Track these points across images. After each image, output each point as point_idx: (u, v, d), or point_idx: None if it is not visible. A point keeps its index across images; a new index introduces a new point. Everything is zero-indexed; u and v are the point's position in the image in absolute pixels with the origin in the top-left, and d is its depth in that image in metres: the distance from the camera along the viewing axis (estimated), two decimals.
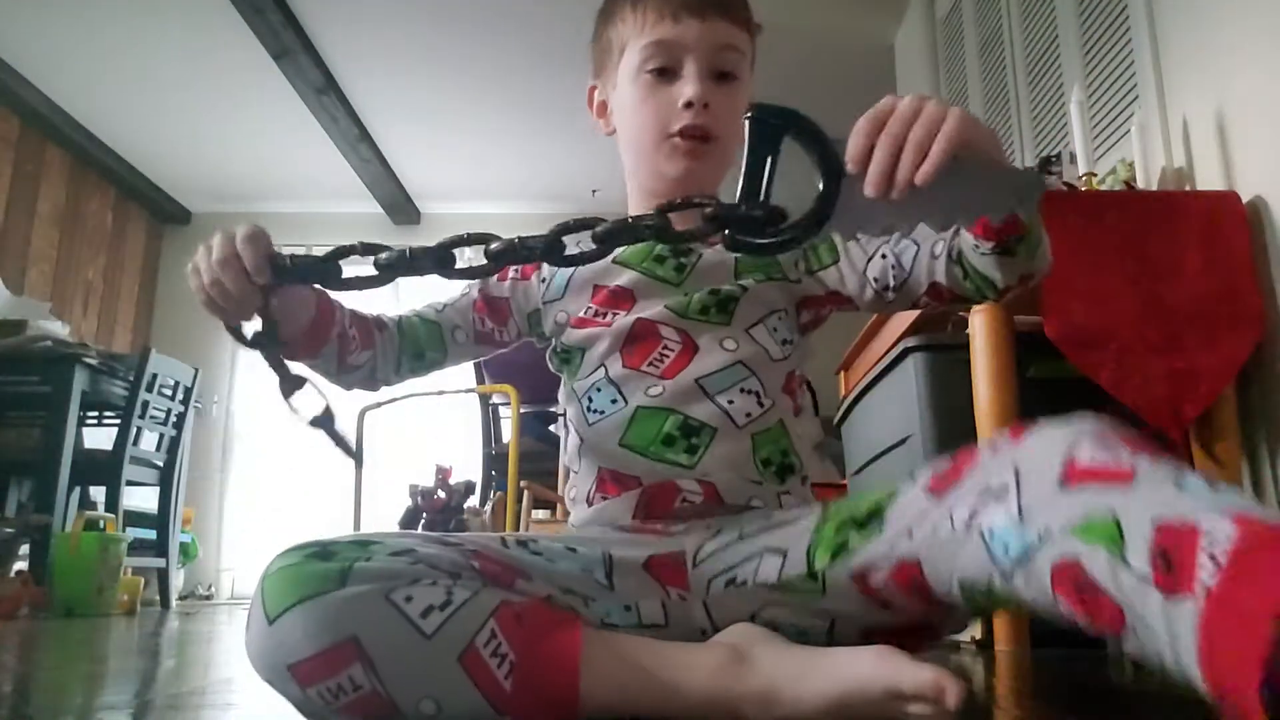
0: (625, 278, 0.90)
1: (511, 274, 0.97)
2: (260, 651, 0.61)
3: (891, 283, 0.87)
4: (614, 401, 0.85)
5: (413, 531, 0.98)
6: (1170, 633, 0.45)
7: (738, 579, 0.73)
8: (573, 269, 0.92)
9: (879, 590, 0.67)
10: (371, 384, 0.93)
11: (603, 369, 0.87)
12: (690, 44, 0.89)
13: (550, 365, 0.96)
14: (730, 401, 0.83)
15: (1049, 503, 0.54)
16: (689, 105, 0.87)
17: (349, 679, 0.59)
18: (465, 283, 0.96)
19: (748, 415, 0.83)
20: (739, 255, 0.89)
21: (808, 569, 0.70)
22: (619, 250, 0.90)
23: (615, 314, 0.88)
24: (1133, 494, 0.50)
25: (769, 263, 0.90)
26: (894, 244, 0.87)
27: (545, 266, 0.95)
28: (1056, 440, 0.57)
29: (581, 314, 0.90)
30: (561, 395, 0.93)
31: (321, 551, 0.63)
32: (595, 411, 0.86)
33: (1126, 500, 0.50)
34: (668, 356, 0.85)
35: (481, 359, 3.34)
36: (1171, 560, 0.45)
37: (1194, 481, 0.50)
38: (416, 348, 0.93)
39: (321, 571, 0.61)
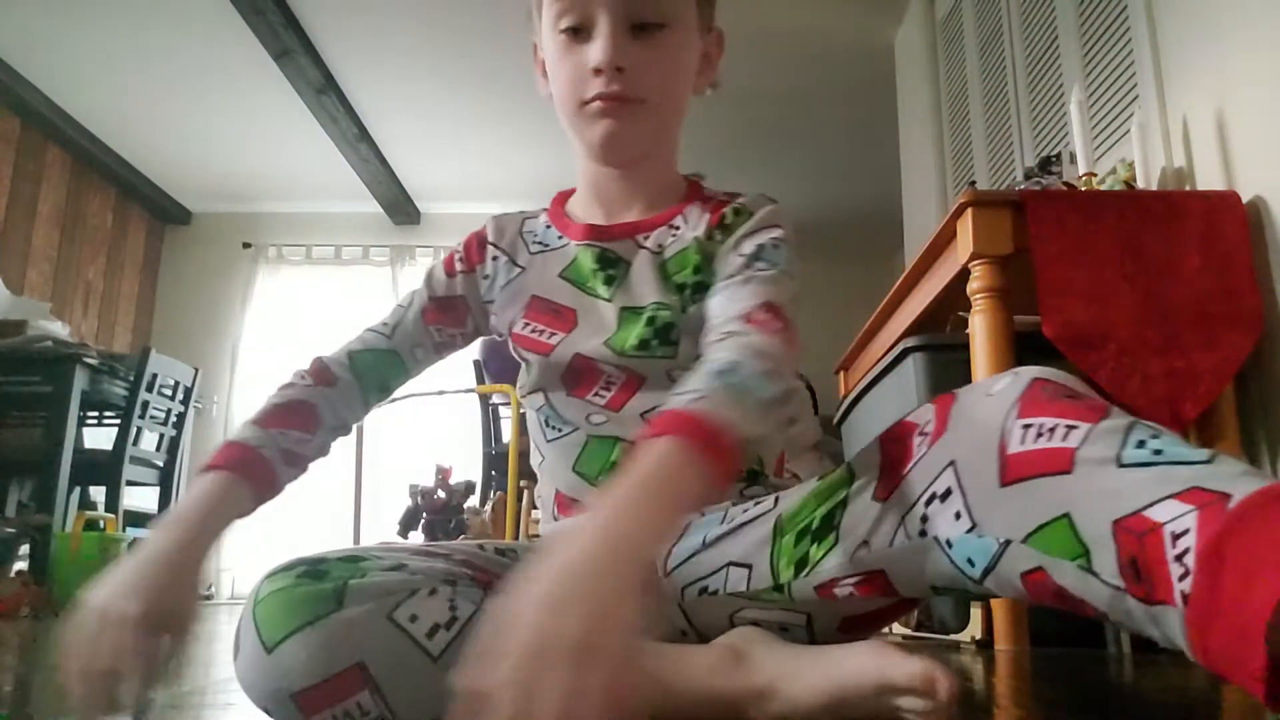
0: (565, 294, 0.84)
1: (457, 266, 0.90)
2: (258, 680, 0.59)
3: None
4: (567, 422, 0.82)
5: (400, 543, 0.96)
6: (1161, 633, 0.46)
7: (709, 588, 0.72)
8: (513, 276, 0.87)
9: (846, 599, 0.66)
10: (344, 433, 0.88)
11: (547, 392, 0.84)
12: None
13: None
14: None
15: (995, 505, 0.53)
16: (599, 71, 0.78)
17: (356, 705, 0.57)
18: (409, 293, 0.90)
19: None
20: (665, 263, 0.82)
21: (774, 582, 0.69)
22: (564, 264, 0.86)
23: (554, 334, 0.83)
24: (1076, 485, 0.49)
25: (696, 269, 0.81)
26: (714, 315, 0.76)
27: (488, 261, 0.89)
28: (986, 424, 0.55)
29: (519, 329, 0.85)
30: (520, 392, 0.88)
31: (312, 570, 0.61)
32: (552, 428, 0.84)
33: (1073, 495, 0.49)
34: (613, 387, 0.81)
35: (482, 359, 3.36)
36: (1140, 569, 0.45)
37: (1133, 453, 0.48)
38: (379, 381, 0.87)
39: (316, 593, 0.59)
